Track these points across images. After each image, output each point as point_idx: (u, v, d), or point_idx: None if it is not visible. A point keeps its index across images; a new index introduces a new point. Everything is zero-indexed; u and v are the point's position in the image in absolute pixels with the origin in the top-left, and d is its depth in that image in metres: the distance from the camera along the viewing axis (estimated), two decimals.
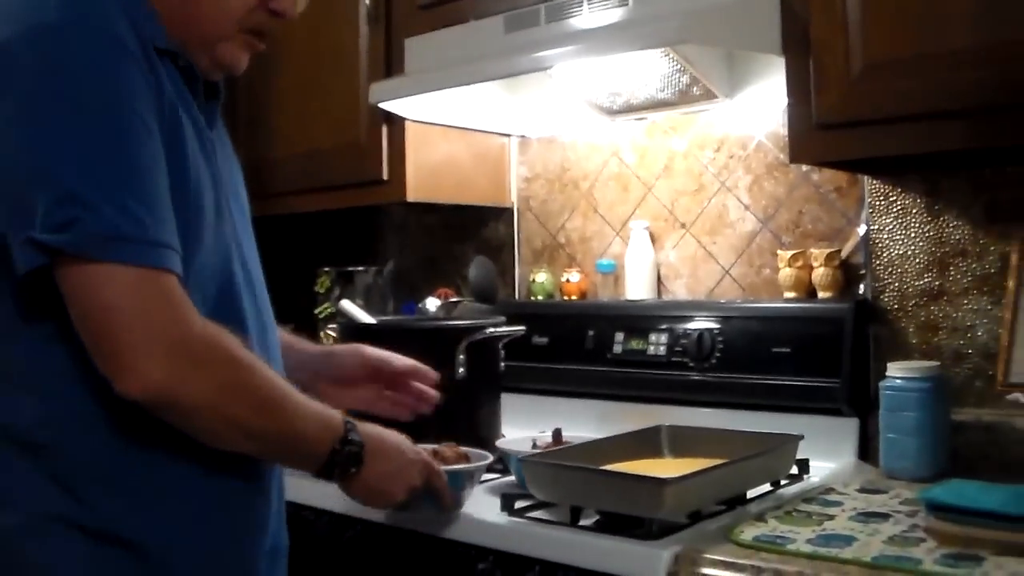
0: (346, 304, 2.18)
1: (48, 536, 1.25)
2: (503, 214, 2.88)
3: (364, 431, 1.44)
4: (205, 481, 1.34)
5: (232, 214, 1.44)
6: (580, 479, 1.64)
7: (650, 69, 2.22)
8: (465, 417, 1.97)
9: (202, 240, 1.33)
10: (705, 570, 1.47)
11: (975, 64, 1.63)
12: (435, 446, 1.75)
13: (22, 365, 1.27)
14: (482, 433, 1.99)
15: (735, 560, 1.46)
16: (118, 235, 1.18)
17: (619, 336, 2.40)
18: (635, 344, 2.37)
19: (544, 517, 1.71)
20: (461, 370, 1.92)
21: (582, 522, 1.66)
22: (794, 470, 1.93)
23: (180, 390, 1.22)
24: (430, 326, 2.18)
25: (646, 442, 1.92)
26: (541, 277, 2.68)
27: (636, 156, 2.59)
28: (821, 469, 1.99)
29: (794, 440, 1.84)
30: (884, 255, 2.16)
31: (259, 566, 1.42)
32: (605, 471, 1.65)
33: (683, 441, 1.93)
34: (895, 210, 2.14)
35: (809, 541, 1.50)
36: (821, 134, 1.83)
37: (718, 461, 1.73)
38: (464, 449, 1.78)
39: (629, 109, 2.50)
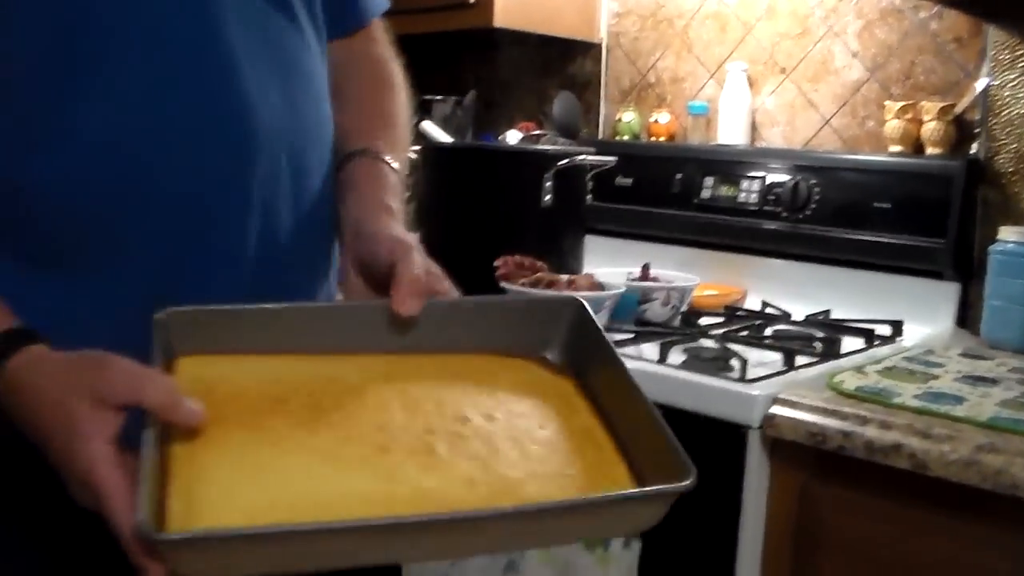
0: (427, 125, 2.08)
1: None
2: (591, 50, 2.73)
3: (17, 370, 0.85)
4: None
5: None
6: None
7: None
8: (549, 247, 1.87)
9: None
10: (804, 416, 1.38)
11: None
12: (570, 276, 1.73)
13: None
14: (565, 266, 1.90)
15: (838, 408, 1.37)
16: None
17: (708, 181, 2.29)
18: (725, 191, 2.26)
19: (629, 353, 1.63)
20: (548, 197, 1.82)
21: (671, 360, 1.58)
22: (887, 331, 1.84)
23: None
24: (520, 149, 2.06)
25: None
26: (628, 117, 2.55)
27: None
28: (916, 332, 1.89)
29: None
30: (1003, 114, 2.01)
31: None
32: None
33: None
34: (1021, 65, 1.99)
35: (916, 397, 1.41)
36: None
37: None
38: (598, 280, 1.77)
39: None
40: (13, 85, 0.93)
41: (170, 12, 0.97)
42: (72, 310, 0.95)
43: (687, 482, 0.75)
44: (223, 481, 0.73)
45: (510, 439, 0.82)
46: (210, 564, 0.68)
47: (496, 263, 1.75)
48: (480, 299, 0.96)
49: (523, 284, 1.71)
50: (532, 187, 1.75)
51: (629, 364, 1.53)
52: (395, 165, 1.11)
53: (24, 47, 0.93)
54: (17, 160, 0.93)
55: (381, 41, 1.31)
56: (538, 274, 1.73)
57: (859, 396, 1.41)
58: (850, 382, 1.46)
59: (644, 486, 0.79)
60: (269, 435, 0.78)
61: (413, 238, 0.97)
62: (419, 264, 0.92)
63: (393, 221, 1.02)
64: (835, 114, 2.27)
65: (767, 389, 1.44)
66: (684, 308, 1.91)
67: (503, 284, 1.73)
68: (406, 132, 1.22)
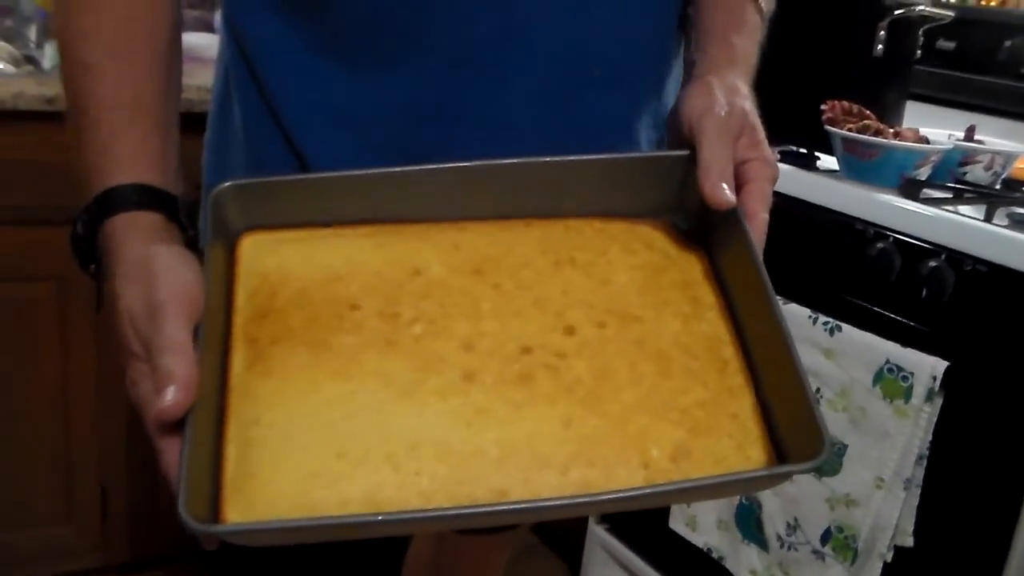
0: None
1: None
2: None
3: (115, 233, 0.77)
4: None
5: None
6: None
7: None
8: (873, 99, 1.84)
9: None
10: None
11: None
12: (896, 128, 1.70)
13: None
14: (885, 122, 1.86)
15: None
16: None
17: None
18: None
19: (947, 210, 1.60)
20: (879, 47, 1.78)
21: (995, 221, 1.55)
22: None
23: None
24: None
25: None
26: None
27: None
28: None
29: None
30: None
31: None
32: None
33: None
34: None
35: None
36: None
37: None
38: (924, 134, 1.72)
39: None
40: None
41: None
42: (360, 107, 0.91)
43: (810, 463, 0.63)
44: (283, 426, 0.65)
45: (619, 354, 0.71)
46: (258, 540, 0.64)
47: (823, 106, 1.73)
48: (593, 156, 0.81)
49: (850, 130, 1.69)
50: (865, 34, 1.72)
51: (950, 218, 1.53)
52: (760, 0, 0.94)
53: None
54: None
55: None
56: (865, 121, 1.70)
57: None
58: None
59: (769, 422, 0.69)
60: (337, 360, 0.69)
61: (742, 98, 0.82)
62: (725, 149, 0.77)
63: (729, 69, 0.86)
64: None
65: None
66: (1005, 175, 1.85)
67: (828, 128, 1.72)
68: None
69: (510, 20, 0.88)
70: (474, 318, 0.72)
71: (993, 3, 2.37)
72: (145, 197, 0.78)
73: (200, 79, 1.07)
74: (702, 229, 0.80)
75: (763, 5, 0.94)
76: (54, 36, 0.90)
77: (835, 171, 1.79)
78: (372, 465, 0.63)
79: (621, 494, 0.63)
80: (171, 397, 0.63)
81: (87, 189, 0.79)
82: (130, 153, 0.80)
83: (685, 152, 0.79)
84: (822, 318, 1.63)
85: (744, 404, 0.69)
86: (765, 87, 1.82)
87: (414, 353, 0.69)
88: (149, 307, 0.69)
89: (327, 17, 0.89)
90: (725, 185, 0.74)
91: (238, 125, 0.98)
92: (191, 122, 0.94)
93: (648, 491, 0.64)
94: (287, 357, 0.69)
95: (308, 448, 0.64)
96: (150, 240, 0.75)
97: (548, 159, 0.79)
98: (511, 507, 0.63)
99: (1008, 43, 2.23)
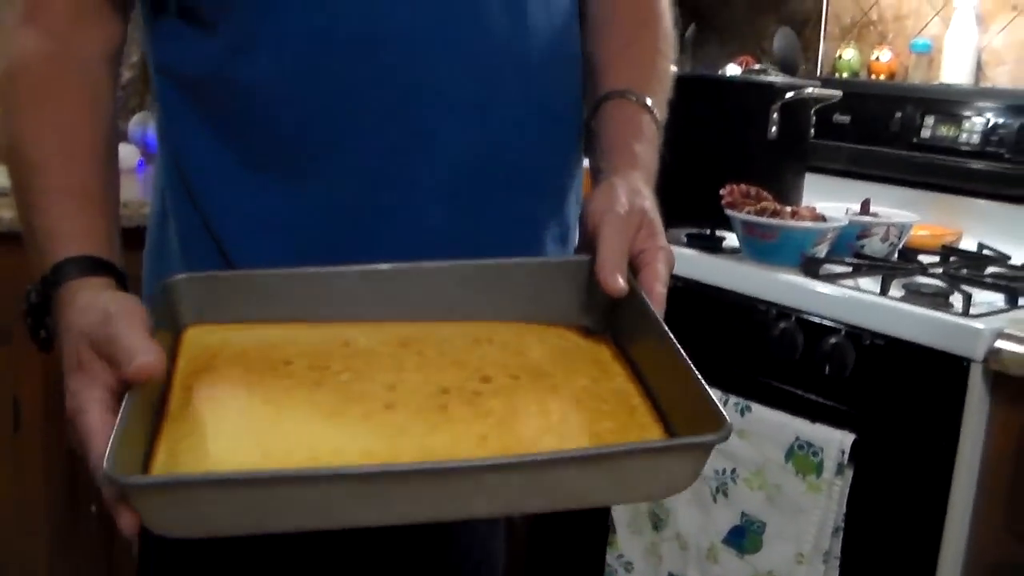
0: None
1: None
2: None
3: (69, 293, 0.83)
4: None
5: None
6: None
7: None
8: (771, 180, 1.90)
9: None
10: None
11: None
12: (793, 207, 1.75)
13: None
14: (785, 200, 1.92)
15: None
16: None
17: (929, 120, 2.26)
18: (946, 131, 2.23)
19: (847, 285, 1.65)
20: (773, 129, 1.85)
21: (892, 293, 1.60)
22: None
23: None
24: (749, 80, 2.07)
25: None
26: (848, 54, 2.53)
27: None
28: None
29: None
30: None
31: None
32: None
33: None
34: None
35: None
36: None
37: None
38: (820, 211, 1.79)
39: None
40: None
41: None
42: (286, 214, 0.96)
43: (715, 435, 0.65)
44: (213, 436, 0.69)
45: (533, 398, 0.74)
46: (182, 515, 0.62)
47: (722, 191, 1.79)
48: (509, 261, 0.88)
49: (748, 212, 1.75)
50: (759, 118, 1.79)
51: (847, 295, 1.58)
52: (655, 110, 1.01)
53: None
54: (237, 59, 0.93)
55: None
56: (763, 203, 1.76)
57: None
58: None
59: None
60: (269, 393, 0.74)
61: (642, 198, 0.88)
62: (621, 242, 0.84)
63: (631, 172, 0.93)
64: None
65: (991, 324, 1.46)
66: (901, 245, 1.92)
67: (728, 212, 1.78)
68: (669, 72, 1.08)
69: (416, 129, 0.95)
70: (397, 371, 0.77)
71: (883, 76, 2.46)
72: (97, 265, 0.85)
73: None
74: (610, 325, 0.85)
75: (658, 115, 1.02)
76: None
77: (739, 251, 1.85)
78: (296, 463, 0.66)
79: (531, 457, 0.64)
80: (141, 359, 0.69)
81: (40, 268, 0.86)
82: (80, 232, 0.88)
83: (587, 257, 0.85)
84: (732, 399, 1.67)
85: (654, 434, 0.72)
86: (670, 173, 1.87)
87: (340, 390, 0.75)
88: (105, 318, 0.75)
89: (253, 134, 0.96)
90: (619, 275, 0.81)
91: (174, 239, 1.03)
92: None
93: (554, 456, 0.65)
94: (222, 391, 0.75)
95: (235, 450, 0.68)
96: (101, 291, 0.83)
97: (466, 262, 0.87)
98: (440, 466, 0.63)
99: (899, 114, 2.31)
